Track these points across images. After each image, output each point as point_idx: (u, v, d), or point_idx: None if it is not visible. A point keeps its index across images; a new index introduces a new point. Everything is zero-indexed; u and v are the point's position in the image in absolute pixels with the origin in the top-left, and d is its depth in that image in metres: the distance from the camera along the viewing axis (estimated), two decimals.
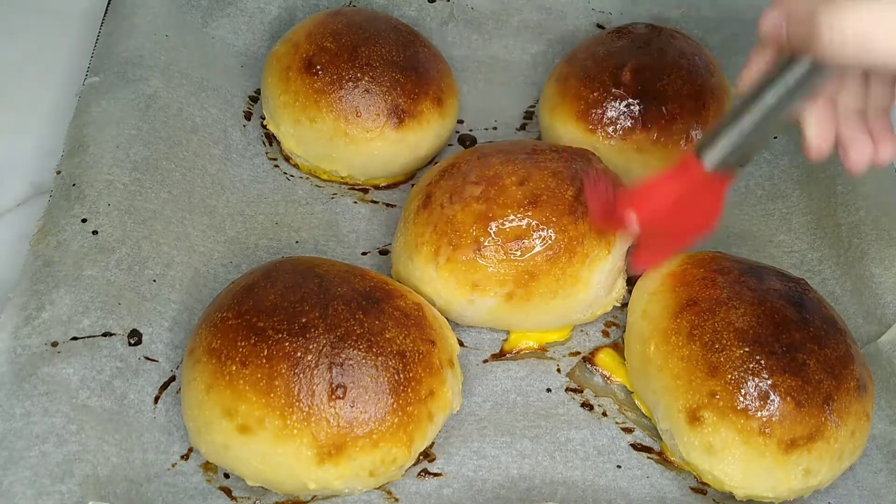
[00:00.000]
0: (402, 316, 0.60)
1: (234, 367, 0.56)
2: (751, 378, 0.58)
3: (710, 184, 0.58)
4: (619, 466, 0.62)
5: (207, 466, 0.59)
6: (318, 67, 0.76)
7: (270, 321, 0.57)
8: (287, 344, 0.56)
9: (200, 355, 0.58)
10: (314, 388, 0.55)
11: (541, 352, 0.69)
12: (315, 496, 0.58)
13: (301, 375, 0.55)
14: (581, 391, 0.67)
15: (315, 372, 0.56)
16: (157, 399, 0.61)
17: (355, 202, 0.78)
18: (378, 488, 0.59)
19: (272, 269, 0.62)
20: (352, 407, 0.56)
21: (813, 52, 0.47)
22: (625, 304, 0.69)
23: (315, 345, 0.56)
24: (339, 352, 0.56)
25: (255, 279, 0.61)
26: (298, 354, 0.56)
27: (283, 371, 0.55)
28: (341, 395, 0.56)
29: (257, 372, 0.56)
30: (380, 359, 0.57)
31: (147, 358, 0.62)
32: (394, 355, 0.58)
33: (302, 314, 0.58)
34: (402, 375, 0.57)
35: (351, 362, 0.56)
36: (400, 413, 0.57)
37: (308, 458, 0.55)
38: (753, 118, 0.54)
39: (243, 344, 0.57)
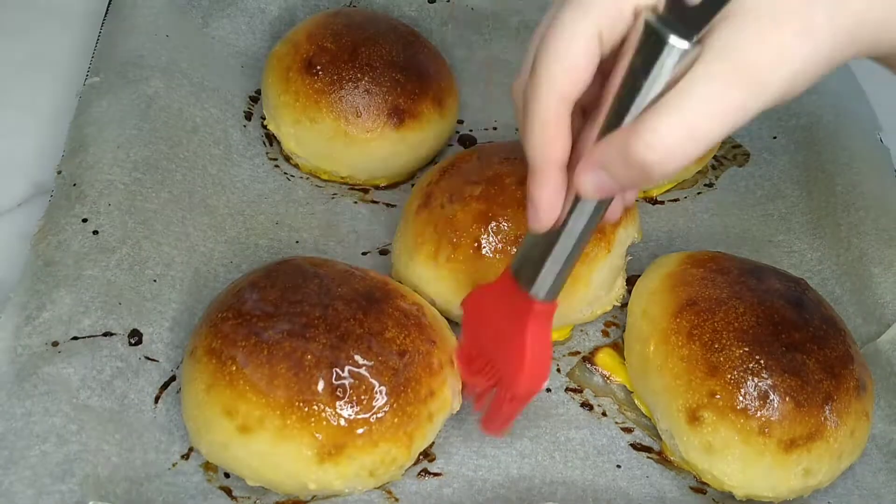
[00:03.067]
0: (402, 316, 0.60)
1: (234, 367, 0.56)
2: (750, 378, 0.58)
3: (548, 316, 0.55)
4: (618, 466, 0.62)
5: (208, 466, 0.59)
6: (319, 68, 0.76)
7: (270, 321, 0.57)
8: (287, 344, 0.56)
9: (201, 355, 0.58)
10: (314, 388, 0.55)
11: None
12: (315, 496, 0.58)
13: (301, 375, 0.55)
14: (581, 391, 0.67)
15: (315, 372, 0.56)
16: (157, 399, 0.61)
17: (355, 202, 0.78)
18: (378, 488, 0.59)
19: (272, 270, 0.62)
20: (352, 407, 0.56)
21: (642, 185, 0.46)
22: (624, 304, 0.69)
23: (315, 345, 0.56)
24: (339, 352, 0.56)
25: (256, 279, 0.61)
26: (298, 354, 0.56)
27: (283, 371, 0.55)
28: (341, 395, 0.55)
29: (257, 372, 0.56)
30: (380, 358, 0.57)
31: (147, 358, 0.62)
32: (394, 355, 0.58)
33: (302, 314, 0.58)
34: (401, 375, 0.57)
35: (351, 362, 0.56)
36: (400, 413, 0.57)
37: (308, 457, 0.55)
38: (569, 249, 0.50)
39: (243, 344, 0.57)
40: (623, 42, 0.43)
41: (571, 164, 0.47)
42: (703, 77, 0.40)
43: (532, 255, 0.52)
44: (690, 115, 0.40)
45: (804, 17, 0.41)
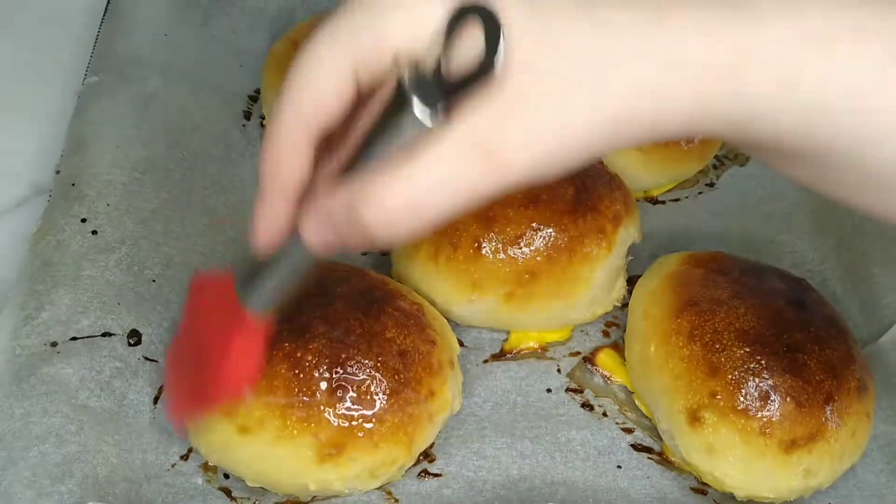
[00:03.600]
0: (402, 316, 0.60)
1: None
2: (751, 378, 0.58)
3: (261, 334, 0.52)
4: (619, 467, 0.62)
5: (207, 467, 0.59)
6: None
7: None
8: (287, 344, 0.56)
9: None
10: (314, 388, 0.55)
11: (541, 352, 0.69)
12: (315, 496, 0.58)
13: (301, 376, 0.55)
14: (581, 391, 0.67)
15: (315, 372, 0.55)
16: (156, 399, 0.61)
17: None
18: (378, 489, 0.59)
19: None
20: (352, 407, 0.55)
21: (367, 248, 0.41)
22: (625, 304, 0.69)
23: (315, 345, 0.56)
24: (339, 352, 0.56)
25: None
26: (298, 355, 0.56)
27: (283, 371, 0.55)
28: (341, 396, 0.55)
29: None
30: (380, 359, 0.57)
31: (146, 358, 0.62)
32: (394, 356, 0.57)
33: (301, 314, 0.57)
34: (402, 376, 0.57)
35: (351, 363, 0.56)
36: (400, 413, 0.57)
37: (308, 458, 0.55)
38: (287, 272, 0.47)
39: None
40: (381, 85, 0.40)
41: (309, 191, 0.44)
42: (440, 149, 0.37)
43: (254, 268, 0.49)
44: (417, 188, 0.37)
45: (560, 104, 0.37)
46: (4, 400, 0.57)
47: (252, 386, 0.53)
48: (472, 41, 0.35)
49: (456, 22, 0.36)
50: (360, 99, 0.41)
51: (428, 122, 0.37)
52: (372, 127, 0.39)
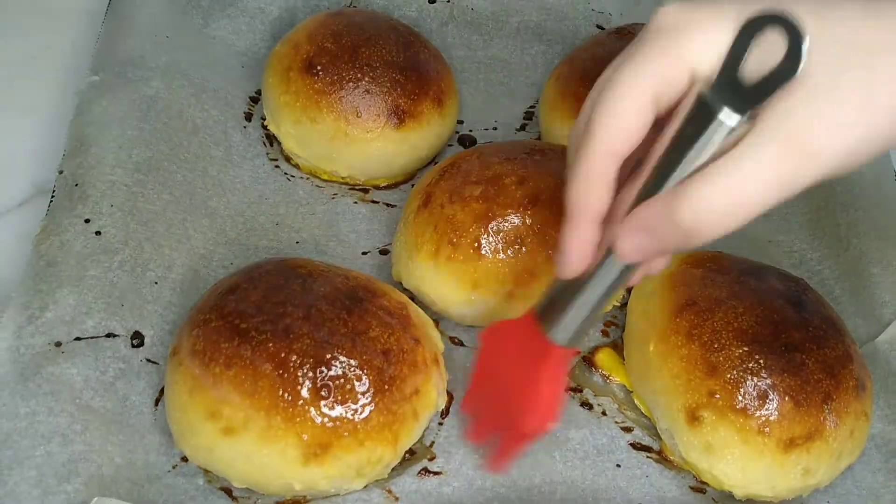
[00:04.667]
0: (386, 315, 0.60)
1: (217, 369, 0.55)
2: (750, 377, 0.59)
3: (565, 362, 0.55)
4: (618, 466, 0.63)
5: None
6: (319, 68, 0.76)
7: (253, 322, 0.57)
8: (271, 345, 0.56)
9: (183, 357, 0.57)
10: (298, 388, 0.55)
11: None
12: (315, 496, 0.58)
13: (285, 376, 0.55)
14: (580, 390, 0.67)
15: (299, 372, 0.55)
16: (157, 402, 0.61)
17: (356, 202, 0.78)
18: (378, 487, 0.59)
19: (255, 270, 0.61)
20: (336, 406, 0.55)
21: (682, 250, 0.45)
22: (624, 304, 0.70)
23: (299, 345, 0.56)
24: (324, 352, 0.56)
25: (238, 281, 0.61)
26: (282, 355, 0.55)
27: (268, 372, 0.55)
28: (326, 395, 0.55)
29: (241, 373, 0.55)
30: (364, 358, 0.57)
31: (149, 360, 0.63)
32: (378, 354, 0.57)
33: (285, 315, 0.57)
34: (386, 374, 0.57)
35: (335, 362, 0.56)
36: (385, 412, 0.56)
37: (293, 458, 0.55)
38: (594, 300, 0.50)
39: (227, 346, 0.56)
40: (678, 104, 0.43)
41: (607, 216, 0.47)
42: (755, 146, 0.40)
43: (557, 299, 0.52)
44: (739, 182, 0.40)
45: (864, 98, 0.40)
46: (10, 399, 0.57)
47: (556, 417, 0.55)
48: (767, 47, 0.39)
49: (750, 33, 0.39)
50: (657, 121, 0.44)
51: (737, 127, 0.40)
52: (671, 144, 0.42)
